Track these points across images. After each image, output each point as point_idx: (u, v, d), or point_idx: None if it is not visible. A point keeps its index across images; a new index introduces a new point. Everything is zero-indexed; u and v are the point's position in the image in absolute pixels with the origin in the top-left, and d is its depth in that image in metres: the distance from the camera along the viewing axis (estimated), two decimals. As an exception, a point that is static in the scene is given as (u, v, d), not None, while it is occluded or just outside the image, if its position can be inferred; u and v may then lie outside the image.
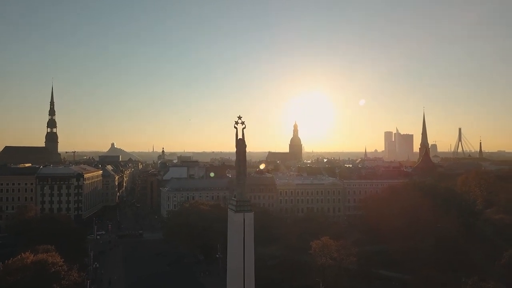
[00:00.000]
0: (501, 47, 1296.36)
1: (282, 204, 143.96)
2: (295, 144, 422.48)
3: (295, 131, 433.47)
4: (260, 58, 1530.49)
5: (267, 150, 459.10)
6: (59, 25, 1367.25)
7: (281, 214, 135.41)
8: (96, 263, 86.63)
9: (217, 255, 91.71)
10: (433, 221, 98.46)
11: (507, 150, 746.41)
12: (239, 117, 33.31)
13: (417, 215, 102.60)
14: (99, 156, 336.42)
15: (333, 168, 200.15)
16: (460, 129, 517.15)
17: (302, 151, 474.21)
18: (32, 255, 58.35)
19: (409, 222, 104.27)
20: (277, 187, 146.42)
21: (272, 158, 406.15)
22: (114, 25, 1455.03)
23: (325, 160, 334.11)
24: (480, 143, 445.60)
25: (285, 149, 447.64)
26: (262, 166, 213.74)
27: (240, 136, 33.70)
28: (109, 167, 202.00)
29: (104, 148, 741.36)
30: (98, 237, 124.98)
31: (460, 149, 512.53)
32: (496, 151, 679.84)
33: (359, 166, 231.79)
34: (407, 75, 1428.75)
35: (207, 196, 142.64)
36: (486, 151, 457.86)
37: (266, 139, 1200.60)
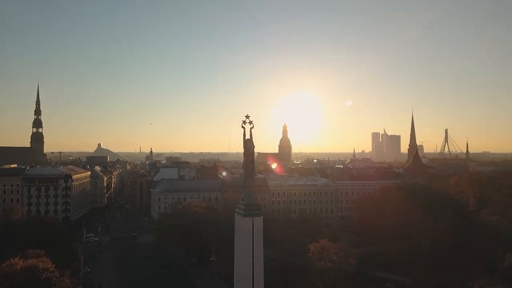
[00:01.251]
0: (488, 48, 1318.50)
1: (275, 205, 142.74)
2: (284, 145, 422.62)
3: (285, 132, 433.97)
4: (248, 59, 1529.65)
5: (256, 151, 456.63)
6: (45, 24, 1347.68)
7: (273, 216, 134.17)
8: (86, 267, 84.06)
9: (211, 258, 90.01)
10: (427, 222, 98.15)
11: (491, 151, 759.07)
12: (247, 116, 31.72)
13: (411, 216, 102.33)
14: (87, 157, 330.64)
15: (325, 168, 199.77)
16: (446, 130, 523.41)
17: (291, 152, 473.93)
18: (22, 260, 55.77)
19: (402, 224, 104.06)
20: (270, 188, 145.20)
21: (261, 158, 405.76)
22: (101, 25, 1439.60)
23: (315, 160, 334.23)
24: (467, 144, 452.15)
25: (275, 149, 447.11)
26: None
27: (248, 136, 32.04)
28: (98, 168, 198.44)
29: (91, 148, 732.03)
30: (95, 239, 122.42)
31: (446, 150, 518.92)
32: (481, 152, 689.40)
33: (350, 166, 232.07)
34: (393, 76, 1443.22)
35: (199, 198, 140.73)
36: (471, 152, 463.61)
37: (255, 140, 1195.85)
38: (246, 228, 30.71)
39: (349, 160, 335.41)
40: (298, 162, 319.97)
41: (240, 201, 32.12)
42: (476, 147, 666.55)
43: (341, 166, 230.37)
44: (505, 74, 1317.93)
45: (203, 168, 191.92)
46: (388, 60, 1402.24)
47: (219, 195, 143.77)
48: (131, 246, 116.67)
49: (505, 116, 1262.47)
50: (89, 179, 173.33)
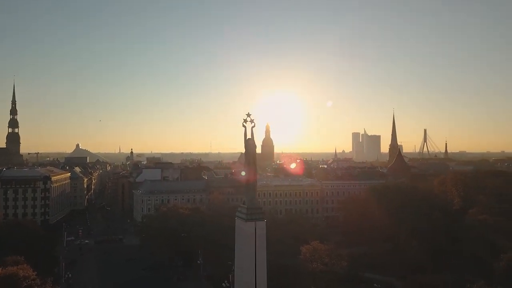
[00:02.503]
0: (468, 50, 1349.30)
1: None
2: (267, 144, 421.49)
3: (267, 132, 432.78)
4: (229, 58, 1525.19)
5: (238, 151, 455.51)
6: (22, 20, 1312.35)
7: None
8: (68, 272, 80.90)
9: (198, 261, 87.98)
10: (414, 222, 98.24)
11: (468, 151, 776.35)
12: (248, 115, 30.08)
13: (398, 216, 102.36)
14: (65, 158, 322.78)
15: (310, 169, 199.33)
16: (425, 130, 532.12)
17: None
18: (0, 268, 52.62)
19: (389, 224, 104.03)
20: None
21: (244, 158, 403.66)
22: (77, 21, 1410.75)
23: (298, 161, 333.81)
24: (446, 144, 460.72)
25: (257, 149, 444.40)
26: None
27: (249, 136, 30.37)
28: (77, 169, 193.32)
29: (69, 149, 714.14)
30: (85, 241, 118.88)
31: (425, 150, 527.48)
32: (458, 151, 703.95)
33: (333, 166, 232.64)
34: (373, 77, 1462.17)
35: (183, 199, 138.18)
36: (449, 151, 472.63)
37: (238, 140, 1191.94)
38: (248, 233, 29.03)
39: (331, 160, 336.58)
40: (281, 162, 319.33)
41: (242, 205, 30.40)
42: (453, 147, 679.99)
43: (325, 166, 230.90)
44: (481, 76, 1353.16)
45: (187, 169, 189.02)
46: (368, 61, 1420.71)
47: (203, 196, 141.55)
48: (115, 249, 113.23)
49: (481, 117, 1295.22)
50: (69, 180, 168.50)
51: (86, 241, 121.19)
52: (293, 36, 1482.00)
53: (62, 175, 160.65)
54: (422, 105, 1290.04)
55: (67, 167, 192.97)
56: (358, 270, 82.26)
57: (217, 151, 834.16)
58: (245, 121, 29.98)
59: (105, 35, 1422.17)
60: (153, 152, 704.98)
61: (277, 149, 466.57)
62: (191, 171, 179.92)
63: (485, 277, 63.47)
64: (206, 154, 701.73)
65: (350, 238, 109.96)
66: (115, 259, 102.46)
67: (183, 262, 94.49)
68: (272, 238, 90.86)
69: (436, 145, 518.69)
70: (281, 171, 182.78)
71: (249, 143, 30.31)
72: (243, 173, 31.85)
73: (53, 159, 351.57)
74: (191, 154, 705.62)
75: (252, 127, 30.27)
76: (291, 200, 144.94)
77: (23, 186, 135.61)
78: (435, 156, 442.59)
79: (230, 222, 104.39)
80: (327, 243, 79.70)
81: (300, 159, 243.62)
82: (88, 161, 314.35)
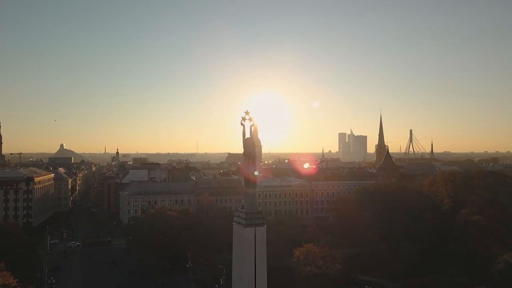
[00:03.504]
0: (454, 50, 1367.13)
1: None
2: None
3: (255, 132, 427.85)
4: (215, 59, 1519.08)
5: (225, 151, 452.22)
6: (2, 19, 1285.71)
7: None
8: (52, 278, 77.60)
9: (187, 265, 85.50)
10: (407, 223, 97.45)
11: (452, 151, 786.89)
12: (247, 112, 28.01)
13: (390, 217, 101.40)
14: (49, 158, 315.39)
15: (299, 169, 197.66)
16: (411, 131, 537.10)
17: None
18: (-21, 276, 49.60)
19: (381, 225, 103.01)
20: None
21: (232, 159, 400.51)
22: (59, 20, 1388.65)
23: (286, 161, 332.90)
24: (432, 144, 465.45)
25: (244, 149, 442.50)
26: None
27: (248, 135, 28.28)
28: (61, 170, 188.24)
29: (53, 149, 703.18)
30: (76, 243, 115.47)
31: (411, 150, 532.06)
32: (442, 152, 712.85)
33: (322, 167, 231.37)
34: (359, 78, 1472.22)
35: (171, 201, 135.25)
36: (434, 151, 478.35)
37: (225, 141, 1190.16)
38: (247, 239, 27.03)
39: (319, 160, 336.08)
40: (269, 162, 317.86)
41: (240, 209, 28.31)
42: (438, 147, 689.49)
43: (314, 167, 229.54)
44: (467, 78, 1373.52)
45: (174, 170, 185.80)
46: (354, 62, 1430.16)
47: (192, 197, 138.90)
48: (102, 252, 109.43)
49: (465, 118, 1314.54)
50: (53, 181, 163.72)
51: (70, 243, 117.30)
52: (281, 37, 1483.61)
53: (46, 176, 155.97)
54: (407, 106, 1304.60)
55: (51, 168, 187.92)
56: (351, 272, 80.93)
57: (203, 152, 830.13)
58: (244, 119, 27.94)
59: (94, 35, 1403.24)
60: (139, 152, 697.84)
61: (264, 150, 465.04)
62: (178, 172, 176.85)
63: (480, 279, 62.73)
64: (193, 155, 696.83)
65: (342, 239, 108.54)
66: (101, 263, 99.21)
67: (172, 266, 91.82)
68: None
69: (422, 146, 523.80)
70: (270, 171, 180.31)
71: (247, 142, 28.28)
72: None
73: (37, 159, 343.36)
74: (177, 154, 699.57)
75: (251, 125, 28.22)
76: (281, 201, 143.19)
77: (4, 187, 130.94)
78: (422, 156, 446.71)
79: (220, 224, 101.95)
80: (320, 245, 78.14)
81: (289, 159, 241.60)
82: (72, 161, 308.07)
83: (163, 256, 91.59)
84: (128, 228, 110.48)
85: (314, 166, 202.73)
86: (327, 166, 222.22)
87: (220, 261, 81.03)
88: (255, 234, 27.00)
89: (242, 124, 28.02)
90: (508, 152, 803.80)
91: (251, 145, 28.25)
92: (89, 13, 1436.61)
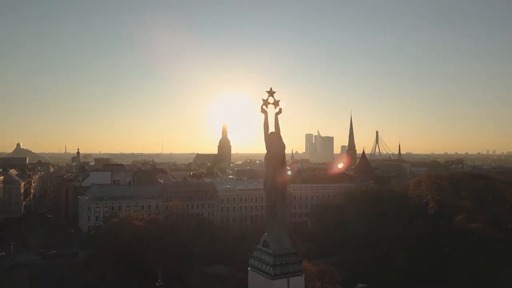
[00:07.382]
0: (423, 49, 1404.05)
1: (224, 212, 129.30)
2: (224, 145, 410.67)
3: (224, 132, 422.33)
4: (184, 57, 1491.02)
5: (192, 152, 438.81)
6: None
7: (224, 224, 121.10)
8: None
9: (157, 284, 74.41)
10: (396, 229, 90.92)
11: (413, 152, 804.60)
12: (270, 92, 17.80)
13: (379, 223, 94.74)
14: (2, 158, 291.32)
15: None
16: (377, 132, 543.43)
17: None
18: None
19: (367, 231, 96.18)
20: (218, 193, 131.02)
21: (200, 160, 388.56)
22: (22, 16, 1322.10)
23: (257, 162, 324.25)
24: (399, 145, 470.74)
25: (213, 150, 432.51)
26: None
27: (272, 129, 17.95)
28: (13, 171, 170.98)
29: (8, 149, 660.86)
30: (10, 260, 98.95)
31: (377, 151, 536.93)
32: (405, 153, 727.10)
33: (295, 168, 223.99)
34: (326, 79, 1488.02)
35: (137, 206, 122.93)
36: (396, 153, 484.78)
37: (192, 140, 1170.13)
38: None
39: (290, 161, 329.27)
40: (239, 163, 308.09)
41: (260, 246, 17.71)
42: (402, 149, 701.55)
43: (288, 168, 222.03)
44: (429, 80, 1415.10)
45: (140, 172, 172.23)
46: (322, 62, 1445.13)
47: (160, 202, 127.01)
48: (67, 265, 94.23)
49: (428, 120, 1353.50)
50: (2, 184, 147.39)
51: (16, 259, 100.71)
52: (247, 37, 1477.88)
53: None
54: (373, 108, 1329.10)
55: (1, 169, 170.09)
56: (337, 283, 72.80)
57: (169, 152, 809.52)
58: (266, 103, 17.65)
59: (47, 31, 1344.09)
60: (101, 152, 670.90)
61: (232, 150, 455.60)
62: (144, 174, 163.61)
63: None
64: (158, 155, 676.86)
65: (322, 246, 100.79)
66: (56, 279, 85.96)
67: (139, 284, 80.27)
68: (238, 249, 79.85)
69: (388, 147, 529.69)
70: (245, 173, 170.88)
71: (271, 139, 17.84)
72: (340, 165, 19.01)
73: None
74: (142, 154, 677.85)
75: (277, 113, 17.97)
76: (257, 205, 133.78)
77: None
78: (389, 157, 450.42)
79: (193, 234, 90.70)
80: (300, 253, 69.39)
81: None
82: (28, 162, 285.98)
83: (129, 270, 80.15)
84: (88, 239, 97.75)
85: (289, 168, 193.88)
86: (302, 168, 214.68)
87: (195, 278, 71.20)
88: None
89: (263, 110, 17.81)
90: (467, 153, 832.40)
91: (277, 144, 17.84)
92: (44, 5, 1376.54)
